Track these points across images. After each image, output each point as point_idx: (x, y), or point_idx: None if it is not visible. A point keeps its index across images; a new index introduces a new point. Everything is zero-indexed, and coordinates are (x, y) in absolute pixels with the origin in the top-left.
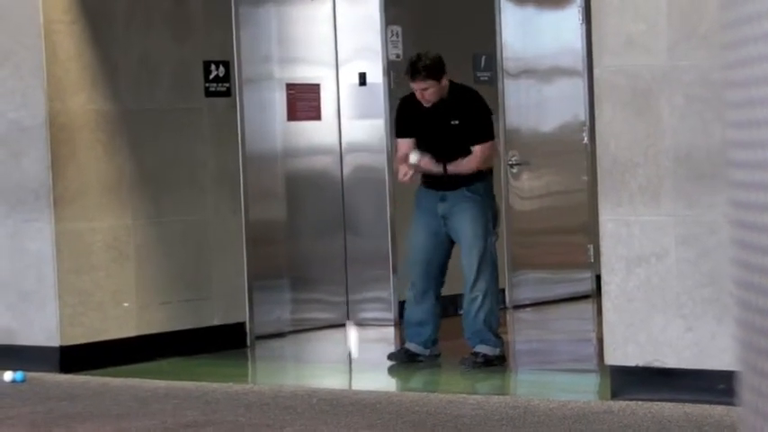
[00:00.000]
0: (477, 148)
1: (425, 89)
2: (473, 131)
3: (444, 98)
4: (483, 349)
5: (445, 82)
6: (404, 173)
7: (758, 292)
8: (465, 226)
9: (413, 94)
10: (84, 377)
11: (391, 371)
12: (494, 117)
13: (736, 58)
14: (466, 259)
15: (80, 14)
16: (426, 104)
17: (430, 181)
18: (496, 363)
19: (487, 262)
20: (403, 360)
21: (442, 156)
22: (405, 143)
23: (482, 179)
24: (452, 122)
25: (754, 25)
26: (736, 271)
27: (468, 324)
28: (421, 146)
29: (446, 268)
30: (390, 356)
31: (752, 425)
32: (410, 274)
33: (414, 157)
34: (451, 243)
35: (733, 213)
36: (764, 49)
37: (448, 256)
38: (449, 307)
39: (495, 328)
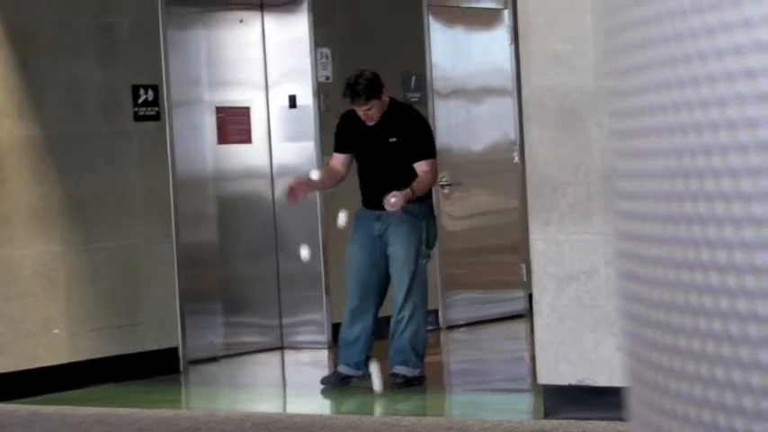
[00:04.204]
0: (424, 164)
1: (369, 109)
2: (415, 150)
3: (384, 114)
4: (401, 370)
5: (386, 97)
6: (291, 195)
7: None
8: (398, 247)
9: (353, 111)
10: (14, 405)
11: (325, 394)
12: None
13: (620, 65)
14: (396, 280)
15: (5, 39)
16: (370, 123)
17: (368, 201)
18: (416, 383)
19: (417, 283)
20: (335, 384)
21: (381, 173)
22: (339, 158)
23: (419, 199)
24: (390, 140)
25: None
26: (623, 283)
27: (392, 344)
28: (360, 163)
29: (385, 289)
30: (323, 380)
31: None
32: (346, 295)
33: (315, 174)
34: (388, 263)
35: (619, 224)
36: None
37: (386, 276)
38: (384, 329)
39: (419, 349)
